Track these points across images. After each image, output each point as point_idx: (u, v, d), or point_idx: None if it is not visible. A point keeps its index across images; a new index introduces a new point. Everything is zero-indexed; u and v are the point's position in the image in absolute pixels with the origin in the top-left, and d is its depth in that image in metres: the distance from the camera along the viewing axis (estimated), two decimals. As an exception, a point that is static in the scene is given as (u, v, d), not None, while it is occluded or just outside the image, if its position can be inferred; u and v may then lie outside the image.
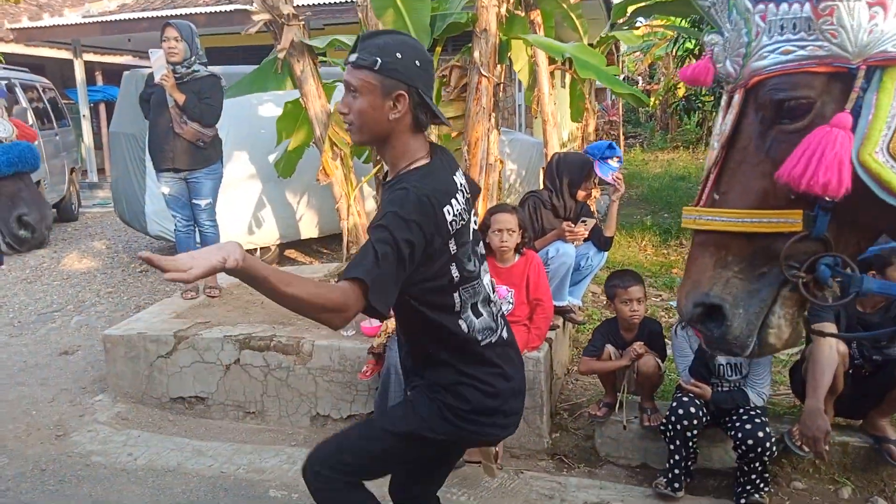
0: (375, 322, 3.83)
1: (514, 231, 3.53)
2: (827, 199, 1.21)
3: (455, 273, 1.87)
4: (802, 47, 1.21)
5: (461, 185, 1.93)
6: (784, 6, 1.22)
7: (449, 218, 1.80)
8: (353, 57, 1.79)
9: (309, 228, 7.35)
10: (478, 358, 1.93)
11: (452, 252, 1.85)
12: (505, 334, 2.02)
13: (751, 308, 1.32)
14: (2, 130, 2.43)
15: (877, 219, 1.30)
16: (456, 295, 1.89)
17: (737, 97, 1.34)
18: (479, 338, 1.93)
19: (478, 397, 1.92)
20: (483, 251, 2.05)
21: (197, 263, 1.42)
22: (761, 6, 1.26)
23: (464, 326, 1.90)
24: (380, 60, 1.75)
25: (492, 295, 2.02)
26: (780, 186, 1.25)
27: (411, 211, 1.71)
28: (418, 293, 1.84)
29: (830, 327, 3.01)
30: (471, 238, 1.94)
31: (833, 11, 1.16)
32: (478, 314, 1.93)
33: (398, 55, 1.77)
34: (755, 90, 1.30)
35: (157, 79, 4.63)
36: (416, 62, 1.80)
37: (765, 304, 1.32)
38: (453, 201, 1.83)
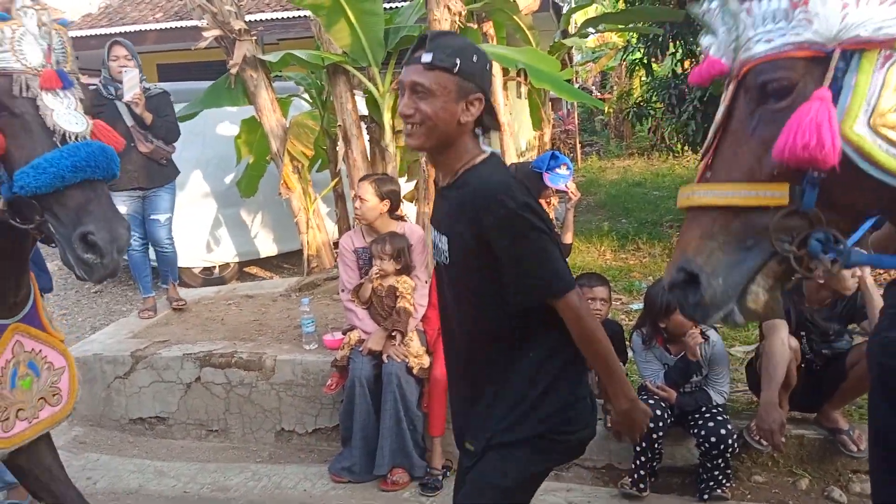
0: (338, 335, 3.83)
1: None
2: (814, 172, 1.28)
3: None
4: (783, 35, 1.32)
5: None
6: (765, 1, 1.34)
7: None
8: (426, 56, 1.70)
9: (267, 246, 7.28)
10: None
11: None
12: None
13: (731, 278, 1.37)
14: (74, 124, 1.90)
15: (863, 195, 1.35)
16: None
17: (730, 88, 1.44)
18: None
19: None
20: None
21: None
22: (746, 3, 1.38)
23: None
24: (459, 63, 1.69)
25: None
26: (765, 161, 1.33)
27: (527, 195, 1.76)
28: None
29: (782, 325, 3.11)
30: None
31: (808, 1, 1.28)
32: None
33: (475, 58, 1.73)
34: (744, 78, 1.40)
35: (127, 97, 4.47)
36: (488, 66, 1.78)
37: (748, 275, 1.38)
38: None
